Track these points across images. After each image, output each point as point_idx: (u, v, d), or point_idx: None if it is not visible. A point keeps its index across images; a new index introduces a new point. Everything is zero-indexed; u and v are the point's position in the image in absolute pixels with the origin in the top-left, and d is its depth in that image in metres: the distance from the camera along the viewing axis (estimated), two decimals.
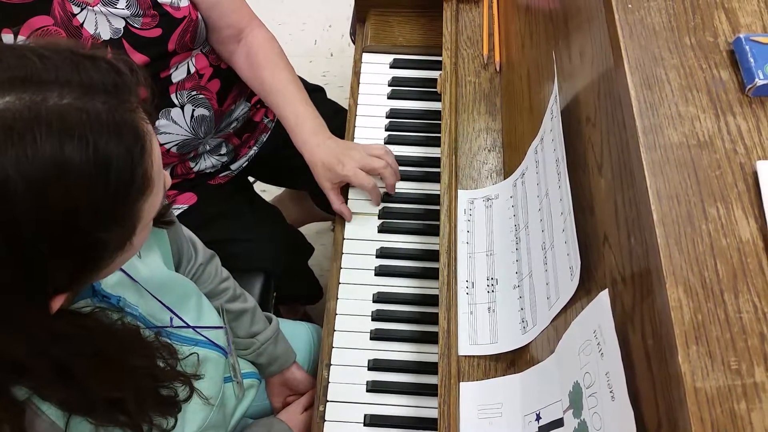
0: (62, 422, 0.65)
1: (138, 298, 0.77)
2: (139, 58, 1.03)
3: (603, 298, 0.63)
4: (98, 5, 0.98)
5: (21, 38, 0.93)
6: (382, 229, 1.08)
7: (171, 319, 0.81)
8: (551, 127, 0.82)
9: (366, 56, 1.25)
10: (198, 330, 0.85)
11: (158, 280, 0.81)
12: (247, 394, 0.99)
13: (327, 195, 1.10)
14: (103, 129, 0.53)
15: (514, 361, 0.83)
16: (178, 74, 1.12)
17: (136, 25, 1.02)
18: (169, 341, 0.77)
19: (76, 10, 0.97)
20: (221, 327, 0.92)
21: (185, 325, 0.83)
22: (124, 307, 0.73)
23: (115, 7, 1.00)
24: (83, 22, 0.98)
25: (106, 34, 1.00)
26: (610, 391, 0.60)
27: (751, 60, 0.63)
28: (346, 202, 1.10)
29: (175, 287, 0.85)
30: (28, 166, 0.50)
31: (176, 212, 1.23)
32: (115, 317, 0.70)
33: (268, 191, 1.85)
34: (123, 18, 1.01)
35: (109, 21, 1.00)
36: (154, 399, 0.72)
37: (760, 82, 0.61)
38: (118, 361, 0.67)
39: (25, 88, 0.51)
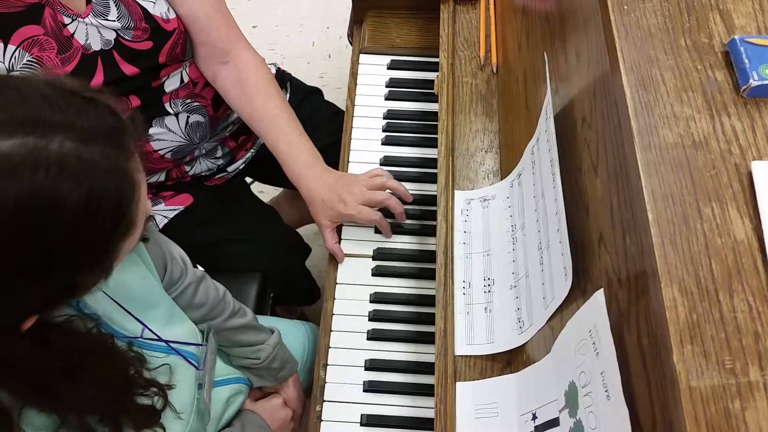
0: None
1: (94, 301, 0.75)
2: (129, 69, 1.03)
3: (598, 298, 0.64)
4: (89, 17, 0.98)
5: (11, 47, 0.92)
6: (378, 230, 1.08)
7: (143, 330, 0.79)
8: (546, 127, 0.82)
9: (363, 57, 1.25)
10: (171, 345, 0.83)
11: (121, 286, 0.78)
12: (236, 399, 0.98)
13: (322, 233, 1.06)
14: (99, 176, 0.55)
15: (510, 360, 0.84)
16: (170, 83, 1.11)
17: (127, 38, 1.01)
18: (139, 350, 0.76)
19: (66, 20, 0.96)
20: (202, 345, 0.89)
21: (156, 337, 0.81)
22: (83, 308, 0.72)
23: (106, 19, 0.99)
24: (74, 33, 0.97)
25: (96, 45, 1.00)
26: (606, 391, 0.60)
27: (746, 61, 0.63)
28: (339, 242, 1.07)
29: (139, 293, 0.81)
30: (23, 198, 0.52)
31: (172, 213, 1.23)
32: (78, 321, 0.70)
33: (265, 192, 1.85)
34: (114, 30, 1.00)
35: (100, 33, 0.99)
36: (132, 408, 0.72)
37: (754, 83, 0.62)
38: (89, 369, 0.67)
39: (29, 131, 0.52)
